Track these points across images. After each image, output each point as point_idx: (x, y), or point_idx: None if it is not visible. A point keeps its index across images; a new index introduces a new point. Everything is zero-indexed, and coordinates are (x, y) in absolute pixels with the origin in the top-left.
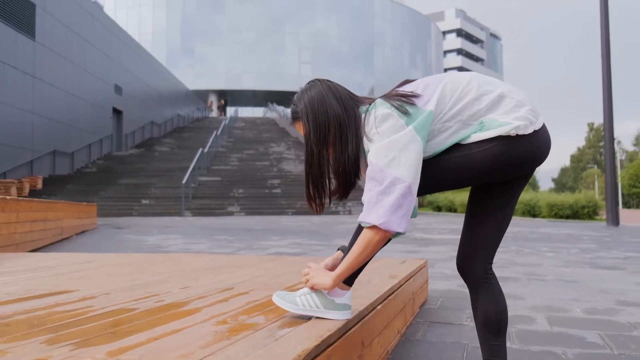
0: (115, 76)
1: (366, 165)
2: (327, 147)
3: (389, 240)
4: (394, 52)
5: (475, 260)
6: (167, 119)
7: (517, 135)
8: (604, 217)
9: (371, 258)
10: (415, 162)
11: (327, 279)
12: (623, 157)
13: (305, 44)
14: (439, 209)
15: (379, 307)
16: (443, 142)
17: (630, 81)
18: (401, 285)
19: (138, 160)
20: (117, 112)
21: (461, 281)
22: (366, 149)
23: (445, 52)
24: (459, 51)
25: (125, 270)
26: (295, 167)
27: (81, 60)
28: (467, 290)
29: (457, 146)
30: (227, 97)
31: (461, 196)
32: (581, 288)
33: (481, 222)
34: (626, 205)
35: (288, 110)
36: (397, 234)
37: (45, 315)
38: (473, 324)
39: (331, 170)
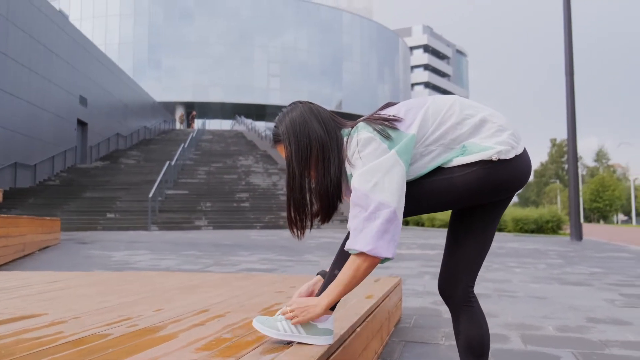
0: (80, 87)
1: (348, 188)
2: (309, 169)
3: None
4: (362, 66)
5: (457, 283)
6: (134, 130)
7: (498, 159)
8: (568, 231)
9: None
10: (398, 186)
11: (317, 309)
12: (584, 173)
13: (274, 57)
14: (406, 223)
15: (358, 329)
16: (425, 165)
17: (590, 98)
18: (378, 306)
19: (103, 173)
20: (81, 124)
21: (434, 298)
22: (348, 173)
23: (413, 67)
24: (426, 67)
25: (94, 290)
26: (264, 180)
27: (45, 71)
28: (441, 308)
29: (439, 170)
30: (195, 110)
31: None
32: (551, 304)
33: (463, 245)
34: (587, 219)
35: (256, 123)
36: (386, 259)
37: (13, 343)
38: (449, 343)
39: (313, 193)
